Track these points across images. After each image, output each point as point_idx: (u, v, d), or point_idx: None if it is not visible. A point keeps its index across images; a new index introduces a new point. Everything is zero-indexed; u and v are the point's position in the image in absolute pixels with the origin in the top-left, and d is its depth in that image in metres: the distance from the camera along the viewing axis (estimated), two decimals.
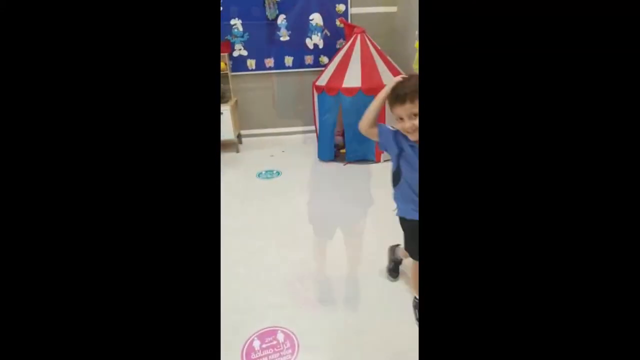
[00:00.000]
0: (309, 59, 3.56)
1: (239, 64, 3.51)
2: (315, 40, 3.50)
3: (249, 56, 3.50)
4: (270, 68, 3.56)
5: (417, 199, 1.25)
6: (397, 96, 1.12)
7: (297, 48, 3.51)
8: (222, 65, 3.31)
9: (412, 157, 1.23)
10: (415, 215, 1.29)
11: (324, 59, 3.52)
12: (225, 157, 3.33)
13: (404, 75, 1.19)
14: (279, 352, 1.34)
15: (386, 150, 1.29)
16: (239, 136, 3.61)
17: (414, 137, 1.16)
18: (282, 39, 3.47)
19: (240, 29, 3.41)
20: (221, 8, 3.32)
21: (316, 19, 3.44)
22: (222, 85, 3.49)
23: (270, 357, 1.33)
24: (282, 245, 2.00)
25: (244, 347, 1.37)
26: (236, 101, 3.55)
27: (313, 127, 3.40)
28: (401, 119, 1.15)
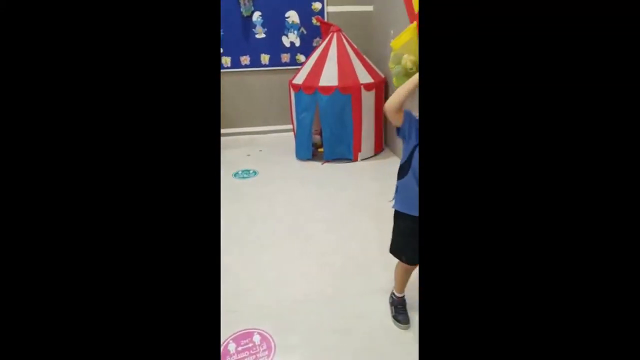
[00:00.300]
0: (285, 57, 3.53)
1: None
2: (291, 38, 3.47)
3: (224, 53, 3.44)
4: (246, 66, 3.51)
5: None
6: None
7: (273, 46, 3.47)
8: None
9: None
10: (414, 212, 1.22)
11: (301, 57, 3.51)
12: None
13: None
14: (254, 354, 1.32)
15: (404, 139, 1.22)
16: None
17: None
18: (257, 36, 3.43)
19: None
20: None
21: (292, 16, 3.41)
22: None
23: (245, 359, 1.31)
24: (260, 245, 1.98)
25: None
26: None
27: (290, 126, 3.37)
28: None
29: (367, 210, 2.26)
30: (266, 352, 1.33)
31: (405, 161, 1.22)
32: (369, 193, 2.49)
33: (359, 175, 2.81)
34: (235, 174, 2.88)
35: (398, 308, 1.46)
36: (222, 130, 3.66)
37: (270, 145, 3.49)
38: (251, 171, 2.93)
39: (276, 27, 3.43)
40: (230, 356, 1.32)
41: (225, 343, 1.37)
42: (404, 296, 1.47)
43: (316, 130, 3.14)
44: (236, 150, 3.38)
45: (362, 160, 3.03)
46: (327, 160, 3.02)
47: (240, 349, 1.35)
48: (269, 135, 3.72)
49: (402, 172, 1.24)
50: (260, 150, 3.36)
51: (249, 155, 3.26)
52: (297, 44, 3.50)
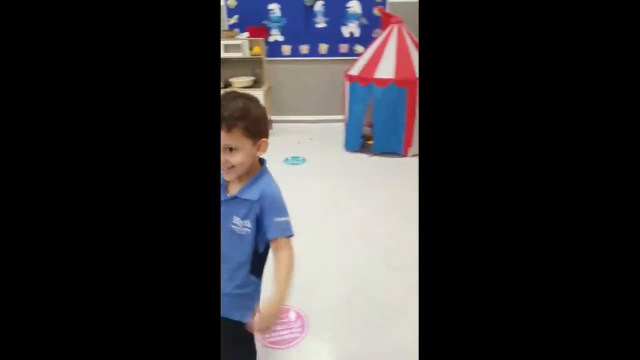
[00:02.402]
0: (343, 47, 3.54)
1: (274, 50, 3.55)
2: (351, 28, 3.47)
3: (285, 42, 3.54)
4: (304, 55, 3.58)
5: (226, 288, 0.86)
6: None
7: (332, 36, 3.50)
8: (258, 49, 3.36)
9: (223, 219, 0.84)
10: (225, 313, 0.86)
11: (359, 48, 3.49)
12: None
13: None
14: (289, 329, 1.40)
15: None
16: (270, 121, 3.68)
17: (229, 176, 0.84)
18: (318, 25, 3.47)
19: (278, 14, 3.44)
20: None
21: (354, 6, 3.41)
22: (256, 70, 3.56)
23: (280, 332, 1.39)
24: (301, 229, 2.05)
25: None
26: (269, 87, 3.60)
27: (341, 117, 3.40)
28: None
29: (408, 205, 2.24)
30: (300, 329, 1.40)
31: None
32: (413, 191, 2.45)
33: (406, 172, 2.77)
34: (286, 160, 2.98)
35: None
36: (275, 117, 3.79)
37: (320, 134, 3.55)
38: (300, 158, 3.02)
39: (337, 16, 3.44)
40: None
41: None
42: None
43: (367, 122, 3.13)
44: (287, 137, 3.48)
45: (412, 156, 2.97)
46: (376, 153, 3.00)
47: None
48: (319, 124, 3.78)
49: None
50: (311, 139, 3.43)
51: (299, 142, 3.35)
52: (357, 34, 3.49)
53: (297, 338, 1.36)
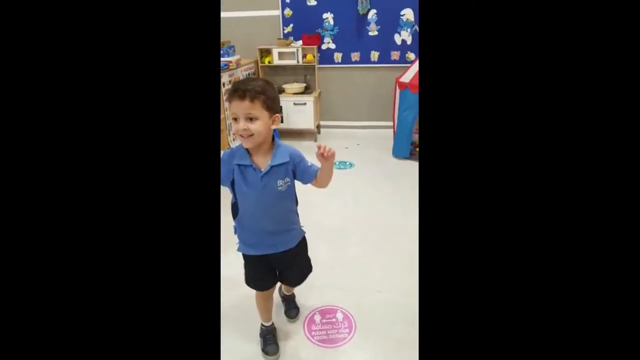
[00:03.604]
0: (395, 55, 3.54)
1: (326, 57, 3.64)
2: (404, 35, 3.47)
3: (337, 49, 3.61)
4: (355, 62, 3.63)
5: (260, 233, 1.13)
6: (236, 90, 0.97)
7: (384, 43, 3.51)
8: (310, 57, 3.47)
9: (253, 179, 1.05)
10: (257, 251, 1.16)
11: (411, 55, 3.48)
12: (304, 145, 3.51)
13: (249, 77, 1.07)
14: (337, 329, 1.44)
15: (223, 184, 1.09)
16: (318, 126, 3.77)
17: (247, 143, 1.01)
18: (370, 33, 3.51)
19: (332, 22, 3.52)
20: (315, 2, 3.46)
21: (407, 14, 3.40)
22: (308, 76, 3.67)
23: (328, 332, 1.43)
24: (348, 233, 2.09)
25: (306, 318, 1.49)
26: (320, 93, 3.69)
27: (389, 123, 3.39)
28: (235, 119, 1.00)
29: None
30: (347, 330, 1.43)
31: (234, 199, 1.12)
32: None
33: None
34: (333, 165, 3.03)
35: (267, 339, 1.35)
36: (325, 122, 3.87)
37: (368, 140, 3.57)
38: (348, 163, 3.06)
39: (390, 24, 3.45)
40: (316, 325, 1.46)
41: (312, 313, 1.51)
42: (271, 325, 1.39)
43: (417, 130, 3.10)
44: (335, 142, 3.54)
45: None
46: None
47: (324, 321, 1.48)
48: (368, 130, 3.80)
49: (235, 210, 1.12)
50: (358, 144, 3.46)
51: (347, 147, 3.39)
52: (409, 42, 3.47)
53: (345, 339, 1.40)
